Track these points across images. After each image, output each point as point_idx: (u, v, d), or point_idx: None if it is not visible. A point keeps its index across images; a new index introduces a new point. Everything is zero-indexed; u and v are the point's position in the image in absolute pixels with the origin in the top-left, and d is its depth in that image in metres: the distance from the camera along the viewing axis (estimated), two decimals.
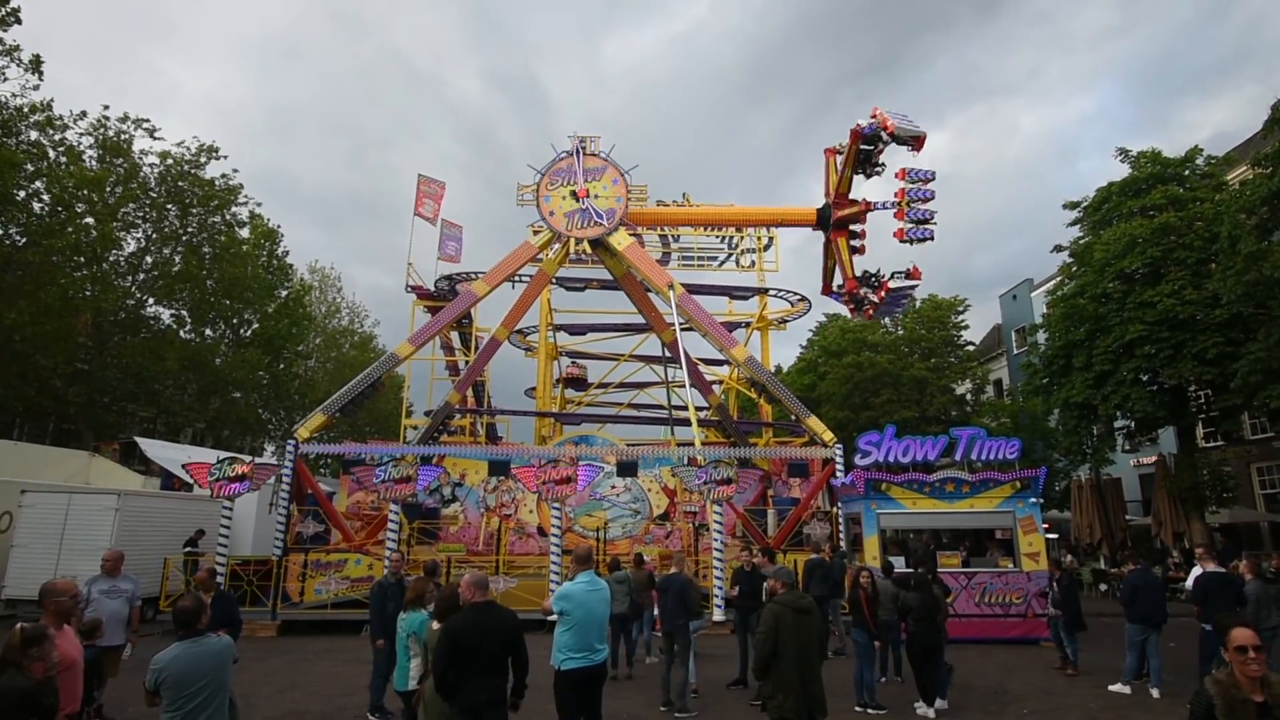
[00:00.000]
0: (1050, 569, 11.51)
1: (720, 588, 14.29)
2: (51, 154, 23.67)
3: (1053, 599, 10.76)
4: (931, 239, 18.30)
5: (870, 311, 18.68)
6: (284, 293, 33.91)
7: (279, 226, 33.95)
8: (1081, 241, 22.65)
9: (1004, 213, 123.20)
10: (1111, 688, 9.59)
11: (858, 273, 19.25)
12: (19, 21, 20.81)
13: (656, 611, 11.39)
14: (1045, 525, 16.64)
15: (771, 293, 26.56)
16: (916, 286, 19.05)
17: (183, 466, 17.14)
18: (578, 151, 19.32)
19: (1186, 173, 21.28)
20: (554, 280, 23.54)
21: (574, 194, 19.24)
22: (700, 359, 24.84)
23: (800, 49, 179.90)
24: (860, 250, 19.06)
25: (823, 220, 18.60)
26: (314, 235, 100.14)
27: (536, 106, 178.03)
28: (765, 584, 9.34)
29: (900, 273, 18.82)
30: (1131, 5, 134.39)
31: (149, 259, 27.77)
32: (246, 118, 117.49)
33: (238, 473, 14.87)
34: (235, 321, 31.47)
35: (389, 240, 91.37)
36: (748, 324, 27.04)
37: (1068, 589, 10.80)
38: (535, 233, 20.14)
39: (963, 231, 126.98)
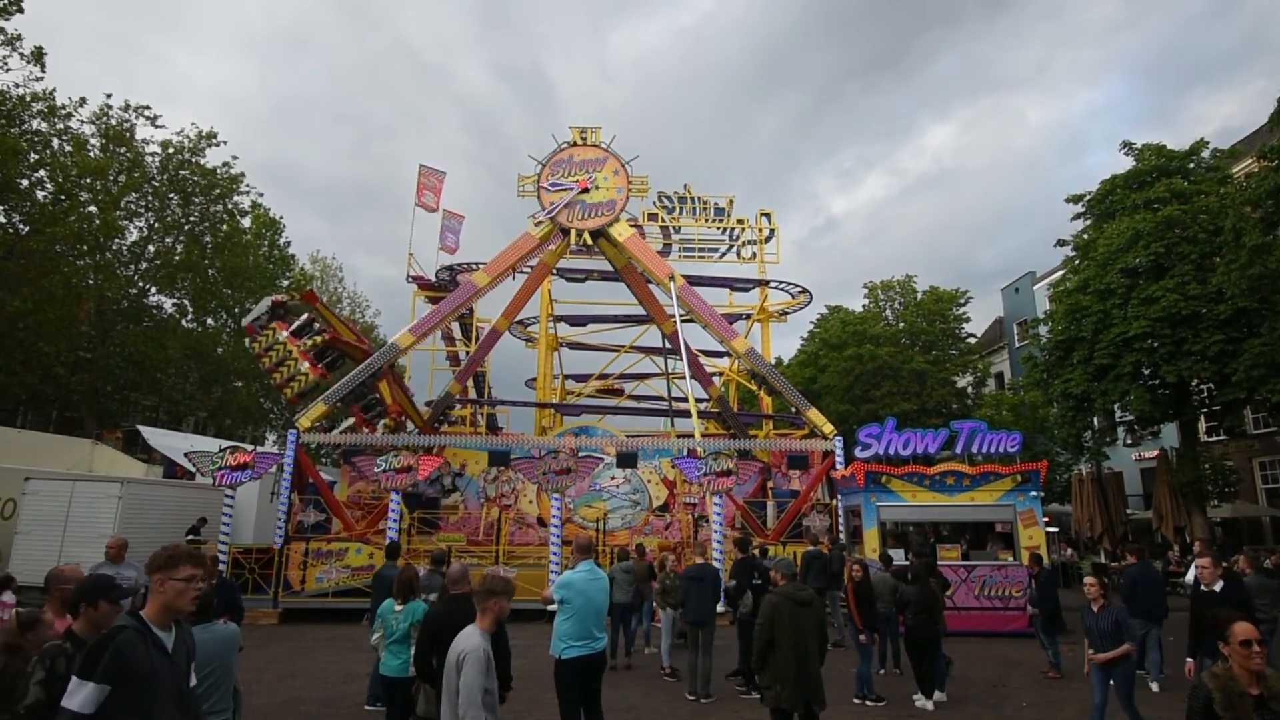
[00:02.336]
0: (1029, 566, 11.25)
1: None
2: (55, 143, 23.65)
3: (1030, 596, 10.47)
4: None
5: None
6: (285, 282, 33.93)
7: (281, 217, 33.96)
8: (1084, 236, 22.56)
9: (1009, 206, 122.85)
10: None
11: None
12: (20, 10, 20.75)
13: (655, 602, 11.46)
14: (1046, 519, 16.67)
15: (772, 285, 26.51)
16: None
17: (185, 455, 17.21)
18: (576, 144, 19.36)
19: (1191, 166, 21.17)
20: (555, 271, 23.51)
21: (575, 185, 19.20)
22: (701, 350, 24.84)
23: (807, 43, 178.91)
24: None
25: None
26: (318, 225, 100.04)
27: (542, 98, 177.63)
28: (726, 586, 9.44)
29: None
30: None
31: (151, 248, 27.79)
32: (253, 108, 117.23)
33: (239, 462, 14.97)
34: (237, 311, 31.46)
35: (393, 231, 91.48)
36: (748, 316, 27.00)
37: (1045, 585, 10.55)
38: (536, 224, 20.10)
39: (966, 225, 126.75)
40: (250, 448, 16.45)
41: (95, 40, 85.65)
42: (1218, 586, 6.44)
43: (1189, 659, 6.73)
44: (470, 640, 3.94)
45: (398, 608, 5.88)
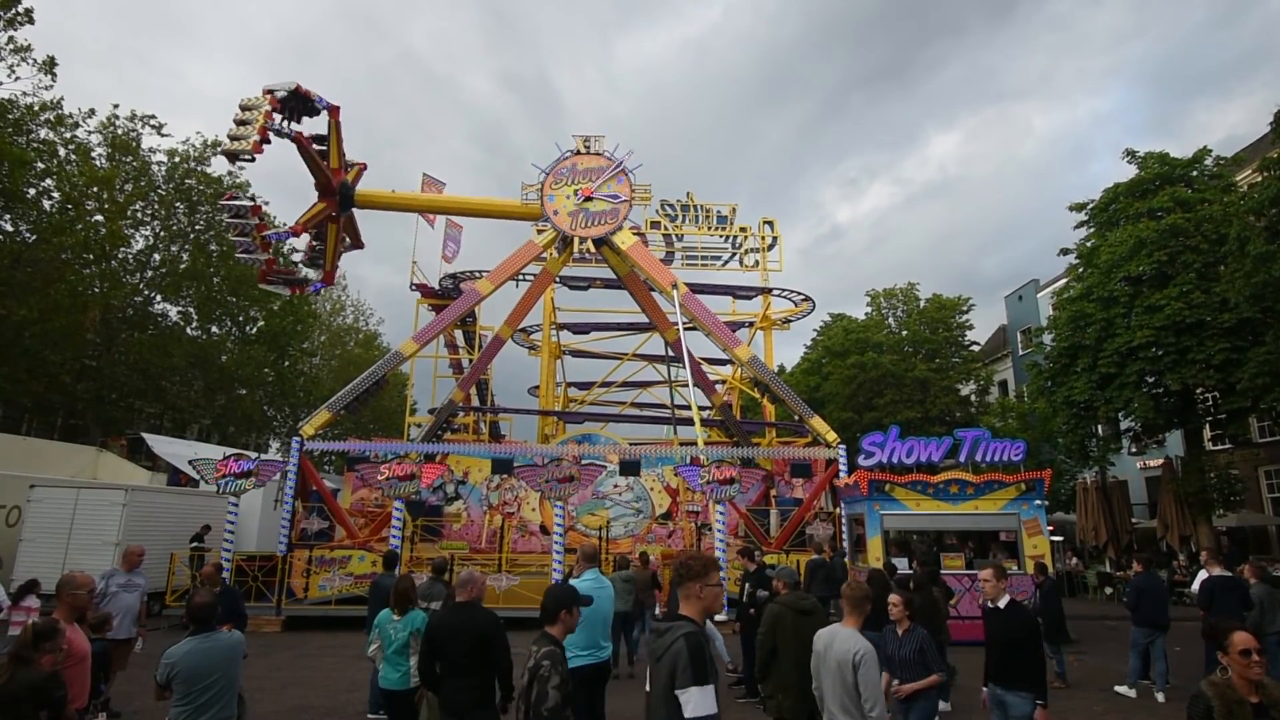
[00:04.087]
0: (1034, 575, 11.23)
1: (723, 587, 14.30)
2: (62, 152, 23.83)
3: (1034, 605, 10.40)
4: None
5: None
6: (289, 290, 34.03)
7: (285, 224, 34.09)
8: (1088, 244, 22.57)
9: (1014, 214, 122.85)
10: (1117, 689, 9.58)
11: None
12: (31, 21, 20.95)
13: (659, 610, 11.43)
14: (1050, 528, 16.60)
15: (775, 292, 26.56)
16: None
17: (189, 462, 17.24)
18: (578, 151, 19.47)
19: (1194, 174, 21.16)
20: (557, 279, 23.58)
21: (577, 193, 19.28)
22: (703, 358, 24.86)
23: (812, 53, 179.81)
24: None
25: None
26: None
27: (549, 108, 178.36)
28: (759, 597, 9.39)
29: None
30: (1145, 8, 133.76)
31: (157, 256, 27.95)
32: None
33: (244, 470, 14.99)
34: (241, 319, 31.63)
35: (398, 239, 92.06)
36: (751, 324, 27.04)
37: (1048, 594, 10.46)
38: (539, 231, 20.18)
39: (971, 232, 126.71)
40: (254, 455, 16.48)
41: (108, 53, 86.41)
42: (1002, 603, 5.54)
43: (984, 687, 5.64)
44: (860, 640, 4.20)
45: (396, 618, 5.87)
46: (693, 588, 3.28)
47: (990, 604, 5.69)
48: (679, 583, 3.33)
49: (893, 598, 5.97)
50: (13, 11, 20.60)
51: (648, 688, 3.26)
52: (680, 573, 3.35)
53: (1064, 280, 25.99)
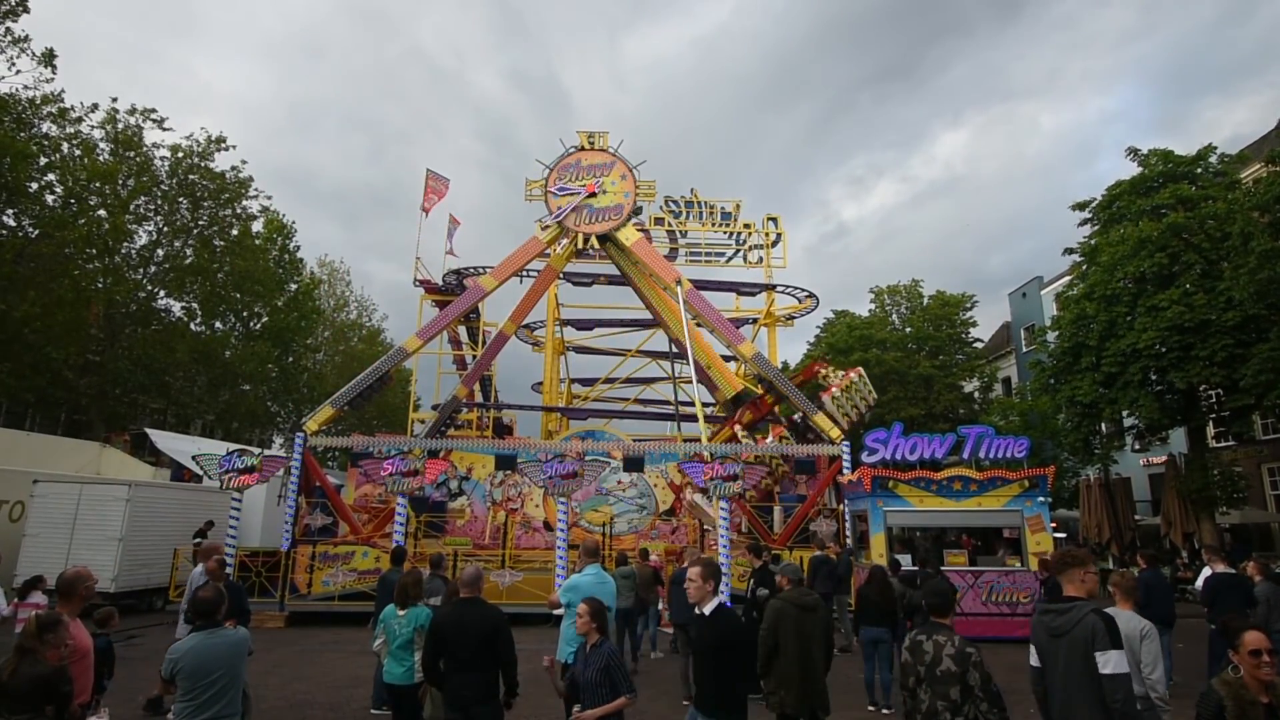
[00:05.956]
0: (1038, 571, 11.25)
1: (726, 583, 14.31)
2: (65, 147, 23.82)
3: (1038, 599, 10.41)
4: None
5: None
6: (294, 286, 34.08)
7: (293, 221, 34.18)
8: (1090, 243, 22.46)
9: (1021, 212, 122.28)
10: None
11: None
12: (27, 10, 20.93)
13: (662, 606, 11.44)
14: (1053, 525, 16.58)
15: (779, 289, 26.51)
16: None
17: (192, 458, 17.27)
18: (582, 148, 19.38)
19: (1198, 171, 21.05)
20: (561, 275, 23.55)
21: (582, 189, 19.24)
22: None
23: (820, 53, 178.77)
24: None
25: None
26: (332, 230, 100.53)
27: (557, 105, 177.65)
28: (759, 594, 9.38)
29: None
30: (1153, 7, 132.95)
31: (160, 251, 27.95)
32: (269, 114, 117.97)
33: (247, 465, 14.97)
34: (245, 314, 31.65)
35: (406, 236, 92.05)
36: (755, 320, 27.00)
37: (1053, 590, 10.52)
38: (543, 228, 20.15)
39: (977, 231, 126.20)
40: (258, 451, 16.50)
41: (116, 50, 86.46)
42: (708, 609, 4.63)
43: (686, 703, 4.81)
44: (1140, 619, 4.65)
45: (400, 613, 5.88)
46: (1078, 573, 3.88)
47: (697, 609, 4.68)
48: (1063, 569, 3.93)
49: (580, 607, 4.74)
50: (8, 3, 20.57)
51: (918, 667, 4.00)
52: (1066, 560, 3.95)
53: (1068, 278, 25.90)
